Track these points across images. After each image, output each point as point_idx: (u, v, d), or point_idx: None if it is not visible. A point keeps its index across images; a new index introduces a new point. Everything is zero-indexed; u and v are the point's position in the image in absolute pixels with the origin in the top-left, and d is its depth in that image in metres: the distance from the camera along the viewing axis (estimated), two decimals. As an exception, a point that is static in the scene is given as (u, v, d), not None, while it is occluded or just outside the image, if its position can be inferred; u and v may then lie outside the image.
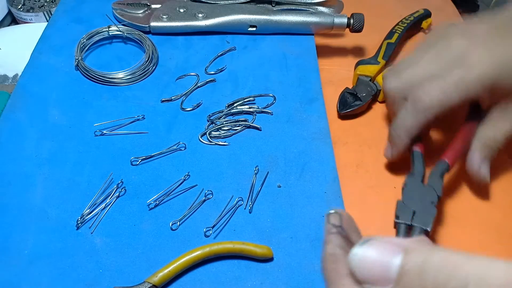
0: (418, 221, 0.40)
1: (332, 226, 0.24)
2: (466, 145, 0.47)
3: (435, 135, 0.54)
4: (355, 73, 0.58)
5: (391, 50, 0.60)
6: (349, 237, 0.23)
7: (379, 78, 0.57)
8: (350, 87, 0.57)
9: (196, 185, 0.45)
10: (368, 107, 0.57)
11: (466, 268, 0.18)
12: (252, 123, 0.50)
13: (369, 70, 0.57)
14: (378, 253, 0.19)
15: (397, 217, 0.41)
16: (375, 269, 0.19)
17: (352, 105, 0.55)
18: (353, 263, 0.20)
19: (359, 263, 0.20)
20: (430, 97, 0.43)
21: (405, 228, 0.41)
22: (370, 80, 0.57)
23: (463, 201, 0.49)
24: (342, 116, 0.55)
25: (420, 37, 0.67)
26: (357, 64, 0.59)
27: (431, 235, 0.46)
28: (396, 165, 0.51)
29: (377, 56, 0.59)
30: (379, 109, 0.57)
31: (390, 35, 0.63)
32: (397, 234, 0.41)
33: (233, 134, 0.50)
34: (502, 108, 0.46)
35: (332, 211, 0.24)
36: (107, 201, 0.43)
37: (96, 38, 0.57)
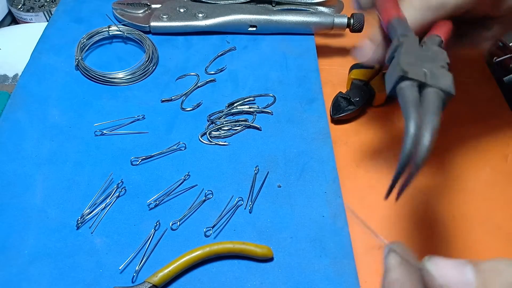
0: (435, 81, 0.30)
1: (391, 254, 0.25)
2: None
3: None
4: (349, 77, 0.57)
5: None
6: (408, 260, 0.26)
7: (374, 82, 0.56)
8: (349, 88, 0.56)
9: (196, 185, 0.45)
10: (363, 111, 0.56)
11: None
12: (252, 123, 0.50)
13: (363, 74, 0.56)
14: (450, 262, 0.23)
15: (405, 72, 0.30)
16: (452, 274, 0.23)
17: (345, 109, 0.54)
18: (432, 271, 0.23)
19: (437, 271, 0.23)
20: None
21: (414, 88, 0.30)
22: (365, 84, 0.55)
23: (463, 201, 0.49)
24: (335, 121, 0.54)
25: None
26: (352, 67, 0.57)
27: (431, 236, 0.46)
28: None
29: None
30: (378, 111, 0.57)
31: None
32: (401, 97, 0.30)
33: (233, 134, 0.50)
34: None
35: (390, 246, 0.26)
36: (107, 201, 0.43)
37: (96, 38, 0.57)
